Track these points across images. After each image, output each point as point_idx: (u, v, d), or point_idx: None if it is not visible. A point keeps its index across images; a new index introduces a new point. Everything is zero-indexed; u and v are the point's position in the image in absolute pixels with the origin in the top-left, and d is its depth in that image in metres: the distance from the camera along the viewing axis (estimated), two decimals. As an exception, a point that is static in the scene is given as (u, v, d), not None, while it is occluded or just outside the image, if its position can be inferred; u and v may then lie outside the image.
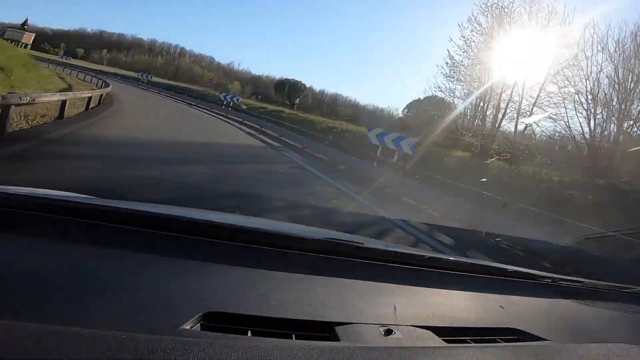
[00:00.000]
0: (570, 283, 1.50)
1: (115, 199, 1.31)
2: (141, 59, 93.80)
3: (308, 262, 1.08)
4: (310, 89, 76.38)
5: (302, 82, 70.99)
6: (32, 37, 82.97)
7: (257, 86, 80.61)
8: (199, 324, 0.72)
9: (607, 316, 1.37)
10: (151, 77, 45.82)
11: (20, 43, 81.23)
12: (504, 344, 0.94)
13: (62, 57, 54.70)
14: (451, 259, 1.43)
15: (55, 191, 1.31)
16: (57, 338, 0.56)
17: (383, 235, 5.43)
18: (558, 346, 0.97)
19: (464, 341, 0.92)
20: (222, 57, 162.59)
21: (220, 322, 0.74)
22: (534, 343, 0.97)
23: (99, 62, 76.72)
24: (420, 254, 1.39)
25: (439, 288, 1.18)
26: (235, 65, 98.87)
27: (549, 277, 1.47)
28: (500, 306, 1.17)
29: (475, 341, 0.92)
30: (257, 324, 0.77)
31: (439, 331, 0.90)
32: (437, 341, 0.86)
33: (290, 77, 72.93)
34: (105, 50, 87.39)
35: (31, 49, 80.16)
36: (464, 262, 1.42)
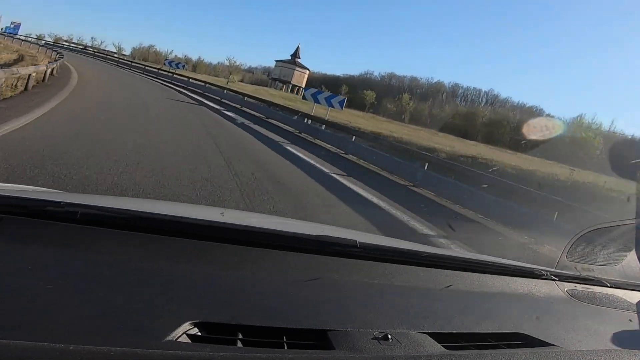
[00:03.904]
0: (580, 281, 1.40)
1: None
2: (459, 110, 55.04)
3: (300, 263, 1.02)
4: None
5: None
6: (305, 77, 52.67)
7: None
8: (184, 335, 0.67)
9: (619, 317, 1.27)
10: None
11: (289, 85, 51.34)
12: (508, 350, 0.88)
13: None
14: (450, 255, 1.38)
15: (24, 186, 1.29)
16: (24, 355, 0.53)
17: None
18: (567, 352, 0.92)
19: (465, 347, 0.87)
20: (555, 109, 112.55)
21: (209, 332, 0.70)
22: (541, 349, 0.92)
23: (395, 118, 39.66)
24: (418, 250, 1.29)
25: (438, 288, 1.12)
26: (588, 119, 48.09)
27: (557, 274, 1.36)
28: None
29: (477, 347, 0.88)
30: (247, 333, 0.72)
31: (438, 336, 0.85)
32: (436, 347, 0.81)
33: None
34: (406, 96, 53.20)
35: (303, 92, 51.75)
36: (464, 258, 1.36)
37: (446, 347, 0.81)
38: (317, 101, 17.30)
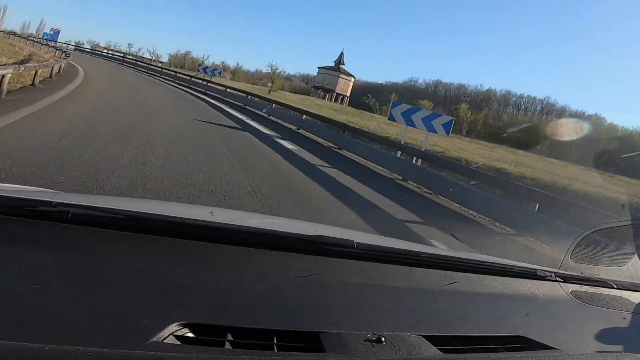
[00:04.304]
0: (585, 283, 1.36)
1: None
2: (519, 120, 49.09)
3: (294, 264, 1.00)
4: None
5: None
6: (350, 85, 47.69)
7: None
8: (171, 336, 0.66)
9: (624, 319, 1.24)
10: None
11: (333, 93, 46.37)
12: (506, 353, 0.87)
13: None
14: (450, 255, 1.36)
15: (17, 185, 1.27)
16: (5, 355, 0.52)
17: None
18: (567, 356, 0.91)
19: (462, 350, 0.86)
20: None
21: (196, 333, 0.69)
22: (540, 352, 0.90)
23: (454, 131, 31.04)
24: (417, 250, 1.27)
25: (437, 289, 1.11)
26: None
27: (562, 276, 1.33)
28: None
29: (474, 350, 0.86)
30: (236, 334, 0.71)
31: (434, 339, 0.83)
32: (432, 350, 0.80)
33: None
34: (464, 106, 46.89)
35: (350, 102, 46.39)
36: (464, 258, 1.30)
37: (442, 350, 0.80)
38: (410, 123, 12.11)
